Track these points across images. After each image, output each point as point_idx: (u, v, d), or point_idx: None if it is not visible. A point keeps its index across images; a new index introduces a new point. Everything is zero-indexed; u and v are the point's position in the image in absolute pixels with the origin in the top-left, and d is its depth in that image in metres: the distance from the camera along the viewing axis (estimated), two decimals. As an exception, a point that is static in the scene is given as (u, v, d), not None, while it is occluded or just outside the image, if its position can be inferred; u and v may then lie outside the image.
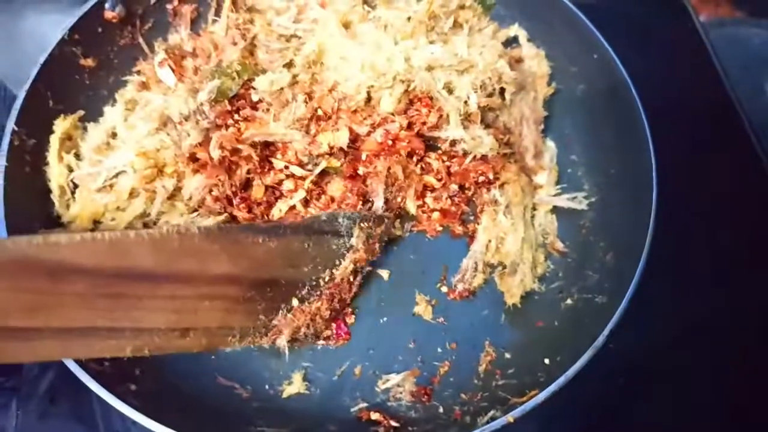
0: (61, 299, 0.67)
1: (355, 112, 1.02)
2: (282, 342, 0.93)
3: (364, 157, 1.05)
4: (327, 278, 0.98)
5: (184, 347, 0.84)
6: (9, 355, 0.68)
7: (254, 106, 1.02)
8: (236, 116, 1.02)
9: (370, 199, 1.04)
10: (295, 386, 0.97)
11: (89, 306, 0.70)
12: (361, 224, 1.00)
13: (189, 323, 0.82)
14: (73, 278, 0.68)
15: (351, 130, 1.01)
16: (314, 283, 0.97)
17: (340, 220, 0.99)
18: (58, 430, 1.07)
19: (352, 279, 1.02)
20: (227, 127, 1.00)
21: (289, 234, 0.93)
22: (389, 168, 1.04)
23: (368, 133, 1.02)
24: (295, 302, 0.95)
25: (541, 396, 0.85)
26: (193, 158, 0.99)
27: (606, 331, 0.88)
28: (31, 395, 1.08)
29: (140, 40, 1.16)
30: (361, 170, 1.05)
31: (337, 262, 0.99)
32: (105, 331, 0.73)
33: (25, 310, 0.65)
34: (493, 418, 0.86)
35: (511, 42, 1.24)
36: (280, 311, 0.94)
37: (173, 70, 1.00)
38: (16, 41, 1.63)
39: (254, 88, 1.01)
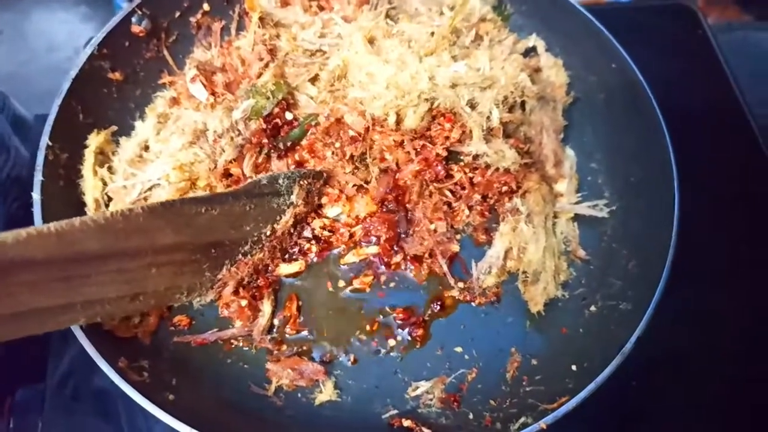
0: (12, 290, 0.68)
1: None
2: (228, 292, 0.98)
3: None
4: (269, 232, 1.02)
5: (136, 309, 0.88)
6: None
7: (290, 124, 1.05)
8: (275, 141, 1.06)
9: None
10: (326, 394, 0.99)
11: (40, 292, 0.71)
12: (301, 182, 1.04)
13: (138, 289, 0.84)
14: (23, 270, 0.69)
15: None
16: (256, 238, 1.00)
17: (281, 181, 1.02)
18: (84, 428, 1.10)
19: (292, 230, 1.06)
20: (262, 146, 1.02)
21: (230, 201, 0.96)
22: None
23: (406, 161, 1.06)
24: (239, 257, 0.99)
25: (572, 402, 0.87)
26: (226, 174, 1.02)
27: (633, 338, 0.91)
28: (57, 394, 1.11)
29: (165, 52, 1.18)
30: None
31: (278, 218, 1.03)
32: (57, 308, 0.74)
33: None
34: (524, 425, 0.87)
35: (529, 51, 1.26)
36: (225, 266, 0.97)
37: (205, 86, 1.02)
38: (24, 39, 1.64)
39: (288, 110, 1.04)
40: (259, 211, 0.99)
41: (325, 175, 1.08)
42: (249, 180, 1.03)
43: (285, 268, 1.06)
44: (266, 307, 1.02)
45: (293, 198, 1.03)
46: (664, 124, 1.08)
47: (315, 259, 1.09)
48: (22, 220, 1.19)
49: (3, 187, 1.24)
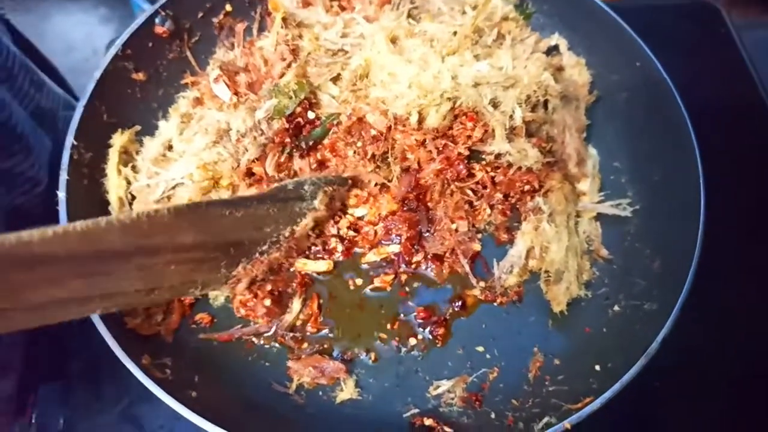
0: (35, 283, 0.70)
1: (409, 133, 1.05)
2: (241, 288, 0.99)
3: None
4: (287, 234, 1.02)
5: (150, 302, 0.89)
6: None
7: (312, 123, 1.05)
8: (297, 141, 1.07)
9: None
10: (347, 392, 0.99)
11: (62, 285, 0.73)
12: (326, 189, 1.04)
13: (155, 284, 0.85)
14: (46, 266, 0.70)
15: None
16: (275, 239, 1.01)
17: (306, 186, 1.03)
18: (105, 424, 1.10)
19: (311, 232, 1.06)
20: (284, 145, 1.03)
21: (255, 204, 0.96)
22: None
23: (428, 160, 1.06)
24: (256, 255, 0.99)
25: (597, 403, 0.86)
26: (249, 173, 1.02)
27: (659, 338, 0.90)
28: (77, 393, 1.12)
29: (188, 53, 1.19)
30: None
31: (299, 220, 1.03)
32: (76, 300, 0.76)
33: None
34: (548, 425, 0.87)
35: (552, 50, 1.25)
36: (241, 264, 0.97)
37: (228, 86, 1.03)
38: (43, 41, 1.65)
39: (310, 109, 1.05)
40: (281, 213, 0.99)
41: (350, 181, 1.09)
42: (275, 185, 1.03)
43: (312, 266, 1.07)
44: (296, 304, 1.02)
45: (316, 203, 1.03)
46: (690, 124, 1.07)
47: (341, 258, 1.09)
48: (24, 215, 1.21)
49: (13, 181, 1.23)
